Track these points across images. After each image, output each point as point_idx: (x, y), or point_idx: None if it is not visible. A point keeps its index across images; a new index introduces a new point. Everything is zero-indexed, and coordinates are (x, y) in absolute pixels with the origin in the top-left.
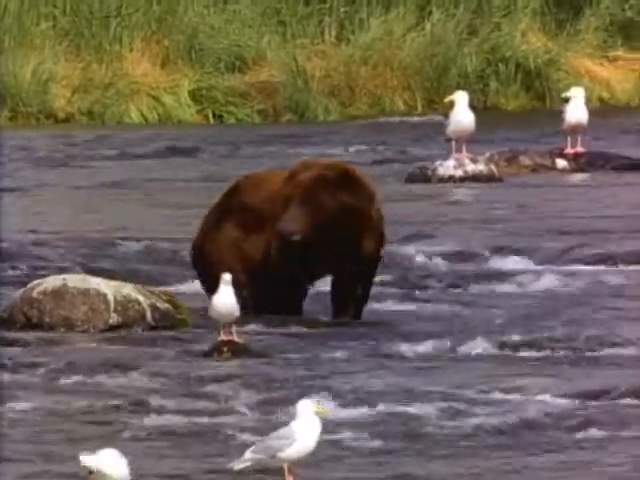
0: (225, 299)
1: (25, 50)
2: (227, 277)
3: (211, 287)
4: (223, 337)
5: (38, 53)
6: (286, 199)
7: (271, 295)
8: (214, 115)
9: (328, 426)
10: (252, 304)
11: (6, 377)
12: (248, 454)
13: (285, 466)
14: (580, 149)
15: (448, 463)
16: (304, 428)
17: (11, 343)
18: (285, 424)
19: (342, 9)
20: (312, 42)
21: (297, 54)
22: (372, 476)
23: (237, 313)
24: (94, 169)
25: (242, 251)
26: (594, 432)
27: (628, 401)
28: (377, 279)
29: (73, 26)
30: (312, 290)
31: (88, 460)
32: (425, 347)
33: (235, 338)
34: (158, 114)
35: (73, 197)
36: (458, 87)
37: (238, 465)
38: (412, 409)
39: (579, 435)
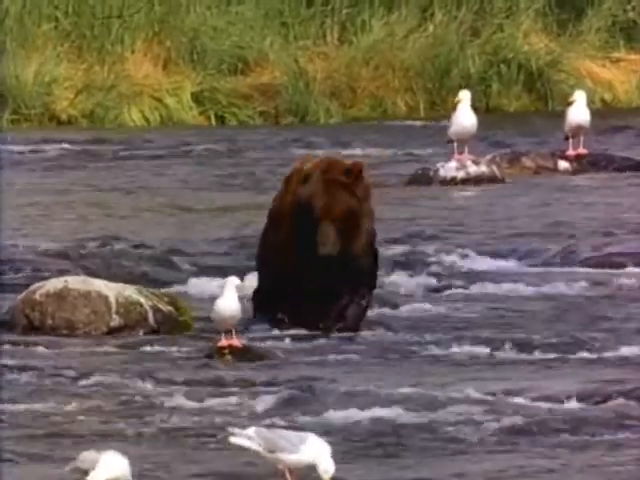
0: (228, 302)
1: (27, 52)
2: (233, 280)
3: None
4: (224, 340)
5: (40, 54)
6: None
7: (276, 297)
8: (216, 117)
9: (330, 428)
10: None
11: (8, 379)
12: (252, 433)
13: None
14: (582, 151)
15: (450, 465)
16: (315, 447)
17: (13, 345)
18: (302, 430)
19: (344, 11)
20: (314, 44)
21: (299, 56)
22: (375, 478)
23: (239, 317)
24: (95, 171)
25: (263, 250)
26: (595, 434)
27: (628, 403)
28: (380, 281)
29: (75, 27)
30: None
31: (89, 461)
32: (428, 349)
33: (236, 341)
34: (160, 116)
35: (74, 199)
36: (460, 89)
37: (238, 440)
38: (416, 411)
39: (580, 437)
